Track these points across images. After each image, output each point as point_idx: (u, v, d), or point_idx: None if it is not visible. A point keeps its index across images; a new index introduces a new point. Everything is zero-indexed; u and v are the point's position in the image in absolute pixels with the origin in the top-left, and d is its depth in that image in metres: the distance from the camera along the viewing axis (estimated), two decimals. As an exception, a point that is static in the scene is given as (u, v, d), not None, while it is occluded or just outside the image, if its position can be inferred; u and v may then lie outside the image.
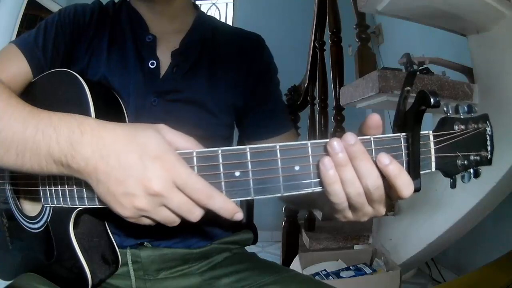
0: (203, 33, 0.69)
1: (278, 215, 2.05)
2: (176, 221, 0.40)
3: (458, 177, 0.42)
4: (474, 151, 0.41)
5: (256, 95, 0.69)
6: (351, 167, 0.37)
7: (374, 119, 0.39)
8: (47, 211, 0.53)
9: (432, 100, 0.36)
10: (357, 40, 1.55)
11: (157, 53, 0.64)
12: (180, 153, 0.39)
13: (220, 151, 0.39)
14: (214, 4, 3.37)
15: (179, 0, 0.68)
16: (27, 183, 0.55)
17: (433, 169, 0.41)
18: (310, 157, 0.38)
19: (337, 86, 1.64)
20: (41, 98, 0.57)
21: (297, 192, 0.39)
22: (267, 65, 0.73)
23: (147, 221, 0.40)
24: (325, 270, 1.43)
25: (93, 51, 0.63)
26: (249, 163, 0.38)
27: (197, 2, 3.34)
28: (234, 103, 0.68)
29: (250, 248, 0.74)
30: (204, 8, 3.37)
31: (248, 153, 0.38)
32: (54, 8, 2.59)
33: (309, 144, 0.38)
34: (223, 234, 0.68)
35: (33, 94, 0.58)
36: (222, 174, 0.39)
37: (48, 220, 0.53)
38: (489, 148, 0.42)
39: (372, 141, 0.39)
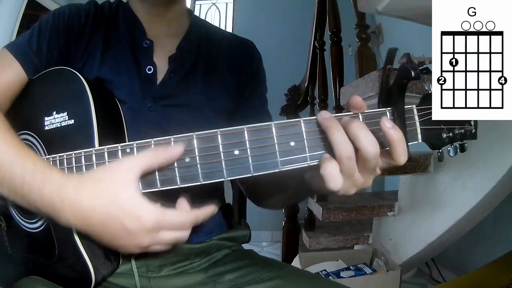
0: (198, 38, 0.69)
1: (278, 215, 2.04)
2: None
3: (445, 150, 0.44)
4: (458, 124, 0.43)
5: (242, 100, 0.70)
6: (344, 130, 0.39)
7: (357, 101, 0.41)
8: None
9: (412, 73, 0.38)
10: (357, 40, 1.55)
11: (153, 58, 0.64)
12: (181, 136, 0.41)
13: (218, 132, 0.41)
14: (214, 4, 3.37)
15: (178, 4, 0.68)
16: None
17: (420, 140, 0.43)
18: (304, 133, 0.41)
19: (337, 86, 1.64)
20: (40, 97, 0.57)
21: (294, 166, 0.40)
22: (254, 73, 0.73)
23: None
24: (325, 270, 1.44)
25: (89, 53, 0.62)
26: (247, 141, 0.40)
27: (197, 2, 3.34)
28: (227, 107, 0.68)
29: (249, 247, 0.74)
30: (204, 8, 3.37)
31: (246, 132, 0.40)
32: (54, 8, 2.59)
33: (301, 121, 0.41)
34: (221, 229, 0.69)
35: (32, 93, 0.58)
36: (222, 154, 0.41)
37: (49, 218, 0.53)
38: (472, 122, 0.44)
39: (360, 116, 0.41)
